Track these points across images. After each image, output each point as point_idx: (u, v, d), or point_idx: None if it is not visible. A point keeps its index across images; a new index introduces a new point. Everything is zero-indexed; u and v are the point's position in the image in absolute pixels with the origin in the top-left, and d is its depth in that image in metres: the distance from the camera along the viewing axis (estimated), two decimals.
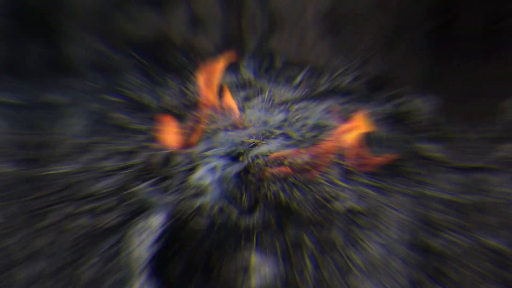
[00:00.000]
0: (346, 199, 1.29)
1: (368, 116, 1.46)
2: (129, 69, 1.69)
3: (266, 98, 1.60)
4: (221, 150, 1.38)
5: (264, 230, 1.21)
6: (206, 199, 1.26)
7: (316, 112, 1.55)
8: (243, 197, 1.28)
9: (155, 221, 1.21)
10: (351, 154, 1.35)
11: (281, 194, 1.29)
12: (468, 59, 1.60)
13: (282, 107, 1.57)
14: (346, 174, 1.36)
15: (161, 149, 1.39)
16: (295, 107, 1.58)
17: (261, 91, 1.63)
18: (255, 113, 1.54)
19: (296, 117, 1.53)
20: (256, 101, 1.60)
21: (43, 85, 1.62)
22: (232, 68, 1.65)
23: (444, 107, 1.61)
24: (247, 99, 1.61)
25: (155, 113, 1.51)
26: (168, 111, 1.52)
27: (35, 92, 1.60)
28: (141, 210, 1.23)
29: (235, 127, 1.45)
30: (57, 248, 1.16)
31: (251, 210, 1.25)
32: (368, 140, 1.45)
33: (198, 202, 1.26)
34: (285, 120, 1.52)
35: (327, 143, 1.37)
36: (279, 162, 1.33)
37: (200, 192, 1.28)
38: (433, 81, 1.67)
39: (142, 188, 1.29)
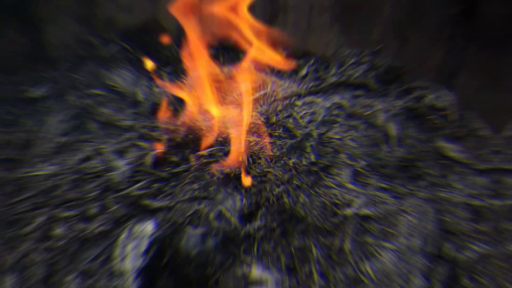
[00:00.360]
0: (357, 204, 1.22)
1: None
2: (116, 60, 1.61)
3: (268, 92, 1.53)
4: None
5: (266, 238, 1.13)
6: (202, 204, 1.19)
7: (323, 107, 1.48)
8: (243, 201, 1.20)
9: (145, 229, 1.11)
10: None
11: (285, 197, 1.21)
12: (490, 50, 1.51)
13: (285, 102, 1.51)
14: (358, 177, 1.29)
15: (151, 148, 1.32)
16: (300, 102, 1.51)
17: (262, 85, 1.56)
18: (257, 109, 1.48)
19: (302, 113, 1.46)
20: (258, 95, 1.52)
21: (21, 78, 1.56)
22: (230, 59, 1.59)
23: (465, 102, 1.55)
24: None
25: (145, 108, 1.45)
26: (159, 106, 1.45)
27: (13, 86, 1.53)
28: (129, 216, 1.15)
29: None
30: (37, 257, 1.09)
31: (251, 216, 1.18)
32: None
33: (194, 207, 1.18)
34: (288, 116, 1.45)
35: None
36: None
37: (195, 196, 1.20)
38: (452, 73, 1.61)
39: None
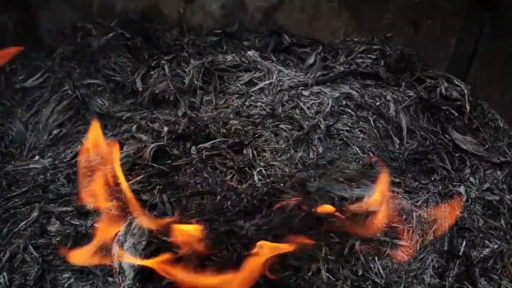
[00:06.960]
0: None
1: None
2: (114, 47, 1.58)
3: (273, 82, 1.51)
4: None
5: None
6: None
7: (331, 98, 1.45)
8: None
9: (143, 225, 1.06)
10: None
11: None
12: (506, 38, 1.47)
13: (292, 92, 1.48)
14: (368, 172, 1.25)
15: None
16: (307, 92, 1.48)
17: (267, 74, 1.54)
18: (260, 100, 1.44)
19: (309, 104, 1.43)
20: (262, 85, 1.50)
21: (15, 67, 1.53)
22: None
23: (479, 92, 1.54)
24: (251, 83, 1.52)
25: (144, 99, 1.41)
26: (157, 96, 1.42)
27: (6, 75, 1.50)
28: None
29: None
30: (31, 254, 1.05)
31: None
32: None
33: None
34: (295, 107, 1.43)
35: None
36: None
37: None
38: (466, 62, 1.58)
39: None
